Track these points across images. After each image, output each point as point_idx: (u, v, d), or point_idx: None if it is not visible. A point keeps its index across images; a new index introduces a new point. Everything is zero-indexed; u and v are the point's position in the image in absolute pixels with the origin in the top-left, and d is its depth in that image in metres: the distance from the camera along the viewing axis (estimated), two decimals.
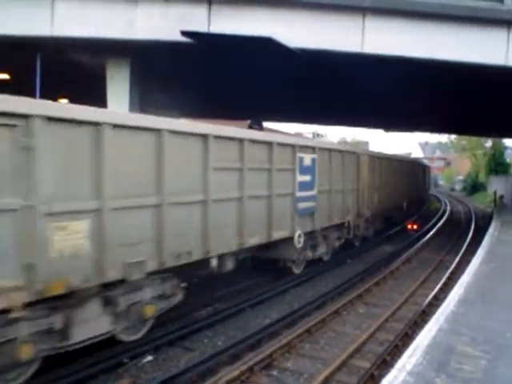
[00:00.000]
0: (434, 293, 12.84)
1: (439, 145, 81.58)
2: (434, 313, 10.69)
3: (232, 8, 14.66)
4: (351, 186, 17.76)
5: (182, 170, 9.36)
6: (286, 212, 13.20)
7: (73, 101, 22.41)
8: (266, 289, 13.09)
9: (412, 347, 6.19)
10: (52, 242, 6.77)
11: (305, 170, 14.03)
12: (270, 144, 12.38)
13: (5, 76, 20.05)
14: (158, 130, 8.70)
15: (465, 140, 64.25)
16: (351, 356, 8.81)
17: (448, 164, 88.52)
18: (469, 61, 15.41)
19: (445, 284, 13.94)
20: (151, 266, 8.57)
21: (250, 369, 8.00)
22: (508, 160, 59.60)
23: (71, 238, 7.10)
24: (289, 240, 13.35)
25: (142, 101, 18.04)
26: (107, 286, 7.93)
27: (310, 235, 14.51)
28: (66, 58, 16.45)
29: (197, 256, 9.80)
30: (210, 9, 14.57)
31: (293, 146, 13.54)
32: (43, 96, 16.91)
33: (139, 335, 8.99)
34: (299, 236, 13.57)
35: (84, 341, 7.65)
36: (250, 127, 23.25)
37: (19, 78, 18.99)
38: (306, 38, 14.98)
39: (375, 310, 11.84)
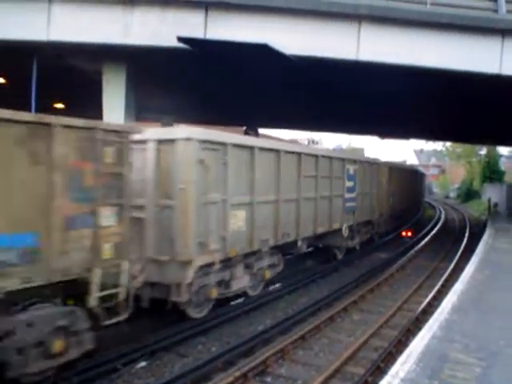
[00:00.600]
0: (427, 300, 12.87)
1: (434, 152, 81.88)
2: (427, 320, 10.79)
3: (229, 14, 14.68)
4: (375, 190, 21.68)
5: (287, 177, 13.27)
6: (339, 209, 17.30)
7: (68, 106, 22.53)
8: None
9: (405, 354, 6.19)
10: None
11: (350, 178, 18.28)
12: (330, 158, 16.64)
13: (0, 80, 20.08)
14: (277, 150, 12.93)
15: (460, 148, 64.47)
16: (345, 363, 8.82)
17: (443, 171, 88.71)
18: (462, 69, 15.52)
19: (438, 291, 13.97)
20: (272, 242, 12.61)
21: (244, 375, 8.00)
22: (502, 168, 59.83)
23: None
24: (338, 231, 17.28)
25: (138, 106, 18.05)
26: (246, 255, 11.62)
27: (350, 228, 18.26)
28: (62, 62, 16.46)
29: (292, 238, 13.81)
30: (206, 15, 14.60)
31: (343, 160, 17.91)
32: (39, 100, 16.98)
33: (258, 292, 12.69)
34: (345, 228, 17.59)
35: (236, 290, 11.49)
36: (246, 133, 23.36)
37: (15, 82, 19.02)
38: (302, 45, 15.02)
39: (370, 317, 11.85)
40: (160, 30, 14.59)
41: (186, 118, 29.57)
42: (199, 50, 14.95)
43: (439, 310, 8.27)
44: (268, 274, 12.84)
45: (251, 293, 12.45)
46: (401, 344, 9.72)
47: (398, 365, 5.81)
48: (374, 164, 21.85)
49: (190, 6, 14.60)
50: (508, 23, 15.16)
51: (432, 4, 15.02)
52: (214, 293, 10.57)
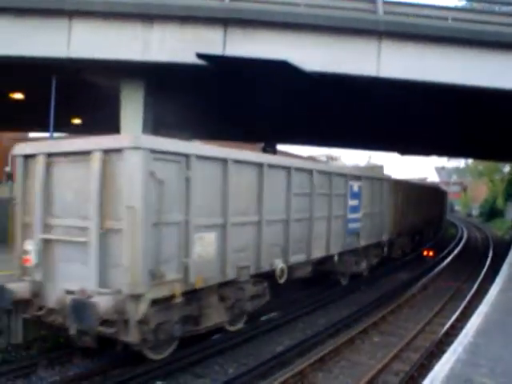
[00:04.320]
0: (450, 322, 12.50)
1: (456, 169, 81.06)
2: (450, 343, 10.43)
3: (247, 31, 14.69)
4: (387, 209, 19.54)
5: (272, 195, 11.51)
6: (339, 231, 15.32)
7: (86, 121, 22.71)
8: None
9: (429, 378, 5.91)
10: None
11: (353, 196, 16.20)
12: (329, 174, 14.61)
13: (19, 95, 20.34)
14: (259, 164, 11.05)
15: (482, 165, 63.71)
16: None
17: (464, 189, 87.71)
18: (481, 85, 15.29)
19: (462, 313, 13.58)
20: (253, 270, 10.86)
21: None
22: None
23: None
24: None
25: (156, 122, 18.09)
26: (221, 285, 10.02)
27: (354, 252, 16.61)
28: (80, 79, 16.58)
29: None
30: (225, 31, 14.62)
31: (345, 176, 15.77)
32: (57, 116, 17.11)
33: (239, 326, 11.15)
34: (336, 255, 15.29)
35: (209, 327, 9.82)
36: (264, 150, 23.23)
37: (33, 98, 19.23)
38: (321, 62, 14.96)
39: (390, 339, 11.53)
40: (178, 46, 14.65)
41: (204, 135, 29.67)
42: (218, 66, 14.96)
43: (463, 332, 7.96)
44: (249, 307, 11.02)
45: (230, 328, 10.87)
46: (423, 368, 9.43)
47: None
48: (384, 181, 19.54)
49: (208, 23, 14.65)
50: None
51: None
52: (177, 331, 8.91)
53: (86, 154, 8.37)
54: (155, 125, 17.66)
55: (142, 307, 7.88)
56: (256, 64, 14.66)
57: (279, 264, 11.62)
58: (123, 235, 7.88)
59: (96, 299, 7.52)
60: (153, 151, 8.11)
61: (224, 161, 9.91)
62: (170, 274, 8.43)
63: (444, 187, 58.97)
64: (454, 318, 12.98)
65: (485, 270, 20.70)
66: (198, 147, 9.82)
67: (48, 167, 8.92)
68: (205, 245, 9.35)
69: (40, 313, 8.76)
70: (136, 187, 7.89)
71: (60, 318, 8.31)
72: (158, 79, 16.40)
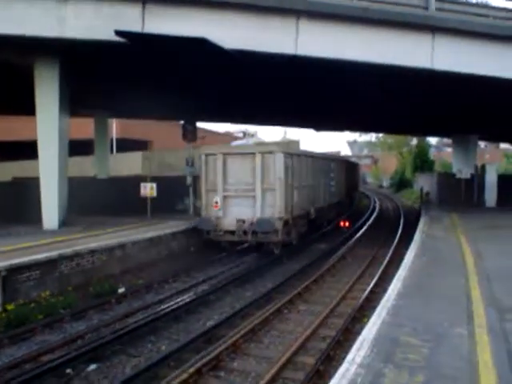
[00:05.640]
0: (369, 288, 13.25)
1: (367, 143, 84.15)
2: (371, 307, 11.12)
3: (166, 8, 14.52)
4: (317, 181, 22.61)
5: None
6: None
7: None
8: None
9: (359, 340, 6.37)
10: None
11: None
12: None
13: None
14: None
15: (391, 139, 66.55)
16: (296, 353, 8.95)
17: (375, 162, 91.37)
18: (394, 63, 16.09)
19: (379, 279, 14.42)
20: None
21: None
22: (432, 158, 62.30)
23: None
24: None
25: (73, 101, 17.52)
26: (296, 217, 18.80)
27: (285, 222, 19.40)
28: None
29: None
30: (144, 8, 14.36)
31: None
32: None
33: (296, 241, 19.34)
34: None
35: (294, 237, 18.89)
36: (184, 127, 23.09)
37: None
38: (240, 40, 15.06)
39: (315, 308, 12.07)
40: (96, 23, 14.25)
41: (122, 113, 29.00)
42: (137, 43, 14.69)
43: (386, 296, 8.55)
44: (302, 230, 20.03)
45: (294, 242, 18.92)
46: (348, 332, 10.03)
47: (354, 351, 5.98)
48: (308, 157, 21.37)
49: None
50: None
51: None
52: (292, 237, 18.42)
53: (251, 154, 17.29)
54: (74, 104, 17.12)
55: (281, 223, 16.95)
56: (175, 41, 14.52)
57: (311, 208, 20.61)
58: (275, 191, 16.84)
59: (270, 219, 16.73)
60: (284, 153, 17.28)
61: (309, 156, 21.20)
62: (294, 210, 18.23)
63: (356, 160, 61.12)
64: (372, 284, 13.78)
65: (397, 237, 21.88)
66: (297, 151, 23.00)
67: (224, 160, 17.28)
68: (296, 197, 18.42)
69: (220, 233, 17.35)
70: (280, 169, 16.92)
71: (236, 235, 17.13)
72: (76, 57, 15.87)
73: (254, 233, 16.67)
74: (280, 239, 17.07)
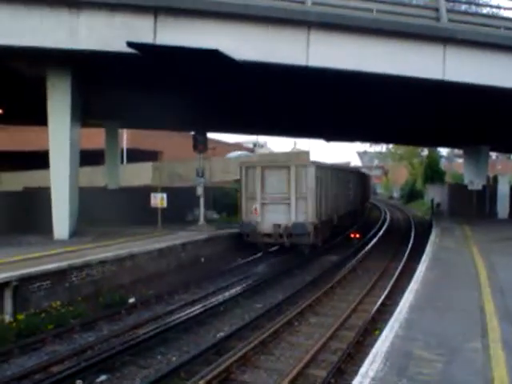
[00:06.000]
0: (380, 300, 13.13)
1: (377, 154, 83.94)
2: (382, 320, 11.01)
3: (178, 20, 14.59)
4: (339, 192, 25.29)
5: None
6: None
7: (7, 111, 21.76)
8: None
9: (372, 354, 6.30)
10: None
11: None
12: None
13: None
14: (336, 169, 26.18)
15: (402, 149, 66.31)
16: (306, 366, 8.86)
17: (386, 173, 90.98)
18: (405, 74, 16.07)
19: (390, 292, 14.29)
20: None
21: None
22: (443, 168, 61.96)
23: None
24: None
25: (85, 111, 17.64)
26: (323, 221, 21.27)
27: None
28: (3, 67, 15.88)
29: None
30: (155, 20, 14.44)
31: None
32: None
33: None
34: None
35: (322, 239, 21.50)
36: (195, 138, 23.15)
37: None
38: (251, 51, 15.10)
39: (326, 320, 11.98)
40: (108, 34, 14.34)
41: (133, 124, 29.15)
42: (148, 55, 14.78)
43: (398, 309, 8.45)
44: (327, 234, 22.48)
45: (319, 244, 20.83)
46: (359, 344, 9.93)
47: (367, 364, 5.90)
48: (333, 170, 24.19)
49: (138, 11, 14.44)
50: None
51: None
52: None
53: (286, 167, 19.52)
54: (85, 114, 17.23)
55: (312, 227, 19.07)
56: (187, 53, 14.59)
57: (334, 215, 23.18)
58: (307, 199, 18.96)
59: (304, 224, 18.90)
60: (317, 166, 19.95)
61: (333, 169, 24.37)
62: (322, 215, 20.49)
63: (367, 171, 60.97)
64: (383, 296, 13.65)
65: (408, 249, 21.71)
66: (324, 164, 24.47)
67: (262, 172, 19.40)
68: (323, 205, 20.65)
69: (258, 236, 19.38)
70: (312, 180, 19.07)
71: (272, 238, 19.30)
72: (87, 68, 15.99)
73: (289, 236, 18.91)
74: (310, 241, 19.30)
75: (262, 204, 19.31)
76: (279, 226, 18.94)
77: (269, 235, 19.27)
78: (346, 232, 26.93)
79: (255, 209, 19.35)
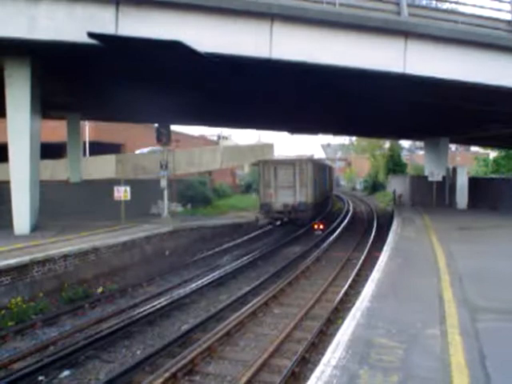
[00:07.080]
0: (344, 290, 13.37)
1: (341, 146, 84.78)
2: (345, 309, 11.22)
3: (140, 10, 14.38)
4: (320, 181, 32.81)
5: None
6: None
7: None
8: None
9: (334, 342, 6.41)
10: None
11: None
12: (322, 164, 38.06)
13: None
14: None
15: (364, 141, 67.18)
16: (271, 356, 8.98)
17: (349, 164, 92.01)
18: (367, 68, 16.26)
19: (353, 281, 14.57)
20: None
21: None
22: (404, 160, 63.06)
23: None
24: None
25: (45, 103, 17.27)
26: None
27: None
28: None
29: None
30: (117, 10, 14.20)
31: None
32: None
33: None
34: None
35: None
36: (158, 130, 22.98)
37: None
38: (215, 43, 15.02)
39: (290, 310, 12.12)
40: (69, 24, 14.03)
41: (94, 115, 28.67)
42: (110, 46, 14.53)
43: (360, 298, 8.61)
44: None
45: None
46: (322, 334, 10.10)
47: (329, 353, 6.01)
48: (320, 164, 34.59)
49: (99, 1, 14.16)
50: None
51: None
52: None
53: (292, 164, 26.85)
54: (46, 106, 16.86)
55: (310, 206, 26.67)
56: (149, 44, 14.40)
57: (320, 199, 30.29)
58: (308, 186, 26.21)
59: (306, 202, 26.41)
60: (313, 163, 28.61)
61: (319, 163, 35.10)
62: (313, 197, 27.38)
63: (330, 163, 61.51)
64: (346, 286, 13.91)
65: (371, 239, 22.13)
66: (314, 160, 38.12)
67: (275, 168, 26.35)
68: (316, 190, 28.13)
69: (273, 213, 26.55)
70: (310, 172, 26.68)
71: (283, 214, 26.46)
72: (48, 58, 15.62)
73: (295, 212, 26.12)
74: (309, 215, 27.05)
75: (275, 190, 26.17)
76: (287, 205, 25.99)
77: (280, 212, 26.34)
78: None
79: (271, 194, 26.13)
